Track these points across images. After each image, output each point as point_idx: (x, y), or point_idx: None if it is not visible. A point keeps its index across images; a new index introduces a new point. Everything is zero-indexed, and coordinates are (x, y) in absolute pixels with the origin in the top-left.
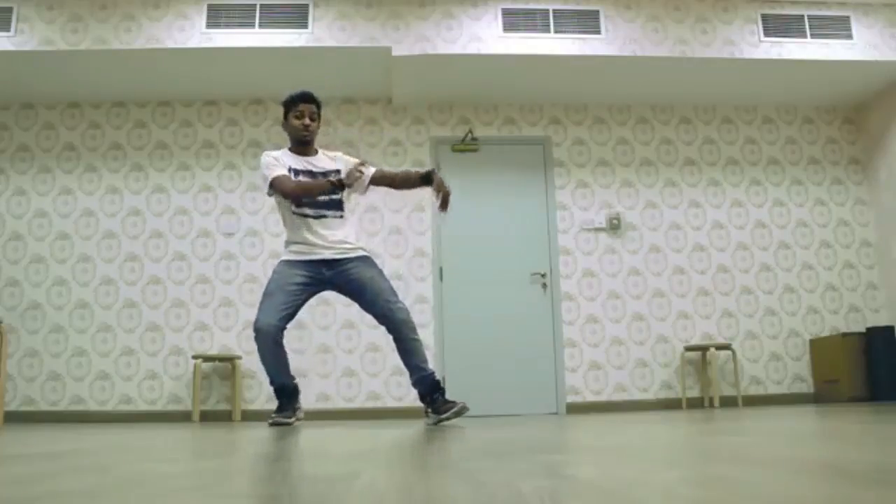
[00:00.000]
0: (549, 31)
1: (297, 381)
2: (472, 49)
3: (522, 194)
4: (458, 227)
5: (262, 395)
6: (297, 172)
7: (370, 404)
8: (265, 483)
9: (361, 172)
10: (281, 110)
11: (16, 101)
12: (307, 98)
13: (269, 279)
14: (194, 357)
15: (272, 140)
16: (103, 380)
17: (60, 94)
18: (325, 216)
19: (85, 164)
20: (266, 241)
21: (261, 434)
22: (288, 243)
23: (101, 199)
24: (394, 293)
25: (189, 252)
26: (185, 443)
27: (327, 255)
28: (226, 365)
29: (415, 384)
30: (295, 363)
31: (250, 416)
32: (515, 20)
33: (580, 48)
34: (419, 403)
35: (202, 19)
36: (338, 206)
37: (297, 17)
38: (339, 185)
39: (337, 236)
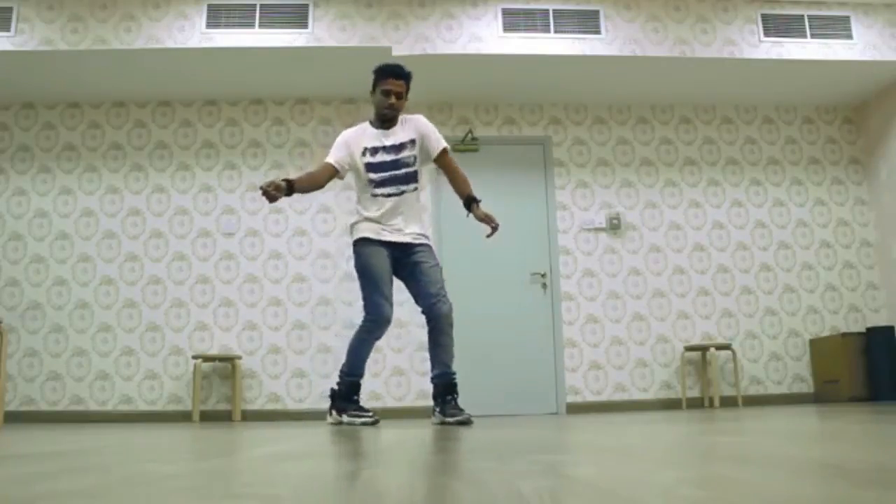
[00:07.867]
0: (549, 31)
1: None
2: (472, 49)
3: (522, 194)
4: (457, 228)
5: (262, 395)
6: (374, 150)
7: (370, 404)
8: (265, 483)
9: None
10: (279, 109)
11: (16, 101)
12: (398, 73)
13: (361, 262)
14: (194, 357)
15: (272, 140)
16: (103, 380)
17: (60, 94)
18: (403, 191)
19: (85, 164)
20: (266, 241)
21: (260, 434)
22: (363, 219)
23: (101, 199)
24: (443, 287)
25: (189, 252)
26: (185, 443)
27: (400, 238)
28: (226, 365)
29: (435, 378)
30: (295, 363)
31: (250, 417)
32: (515, 20)
33: (580, 48)
34: (419, 403)
35: (202, 19)
36: (414, 177)
37: (297, 17)
38: (289, 191)
39: (412, 219)
